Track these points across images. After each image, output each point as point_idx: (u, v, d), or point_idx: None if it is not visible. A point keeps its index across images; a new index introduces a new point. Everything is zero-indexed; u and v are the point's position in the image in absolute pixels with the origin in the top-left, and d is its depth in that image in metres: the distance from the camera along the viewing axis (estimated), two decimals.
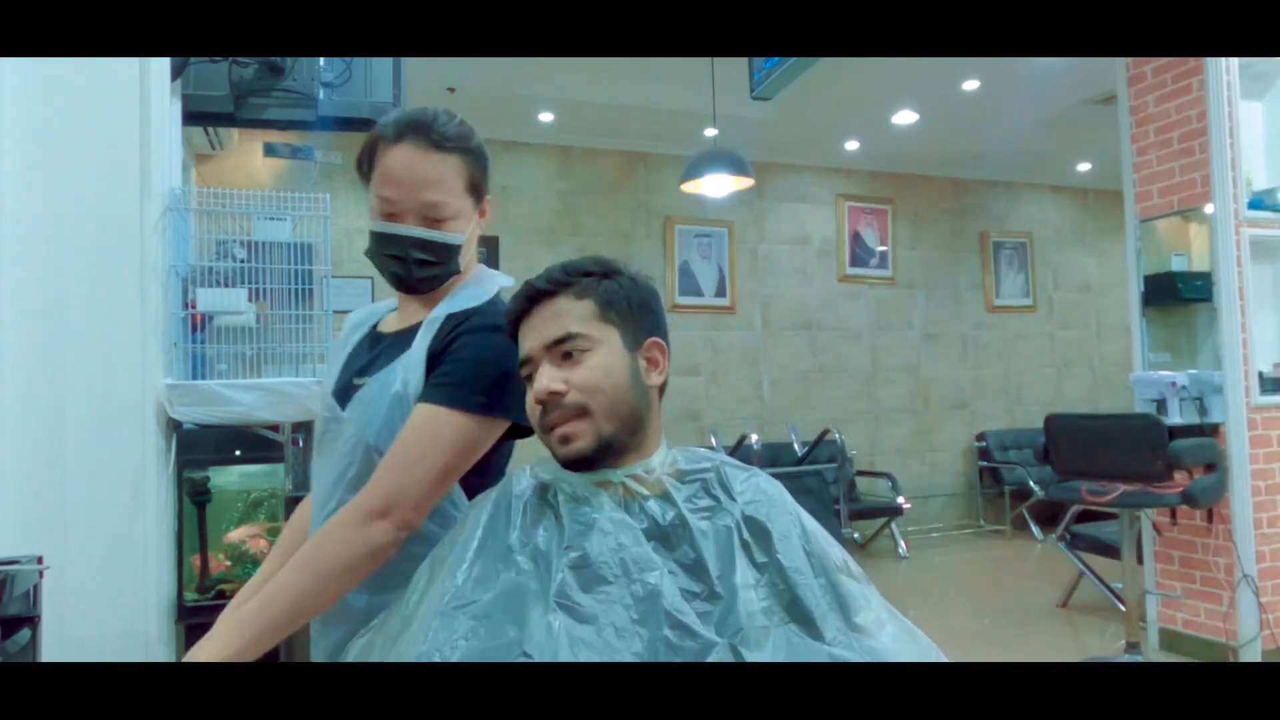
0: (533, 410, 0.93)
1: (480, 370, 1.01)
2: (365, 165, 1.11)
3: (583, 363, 0.91)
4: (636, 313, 0.95)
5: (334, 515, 0.98)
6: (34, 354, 1.61)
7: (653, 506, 0.90)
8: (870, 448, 6.23)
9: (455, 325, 1.06)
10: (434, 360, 1.04)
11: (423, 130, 1.05)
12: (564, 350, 0.92)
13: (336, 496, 1.07)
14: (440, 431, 0.99)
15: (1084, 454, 3.22)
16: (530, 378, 0.93)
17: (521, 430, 1.06)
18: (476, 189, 1.10)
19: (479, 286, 1.12)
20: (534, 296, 0.94)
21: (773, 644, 0.83)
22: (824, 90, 4.79)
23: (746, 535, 0.90)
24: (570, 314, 0.93)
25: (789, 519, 0.94)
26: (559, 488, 0.92)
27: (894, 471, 5.89)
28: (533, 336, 0.93)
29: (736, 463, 0.99)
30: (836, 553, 0.96)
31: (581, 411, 0.90)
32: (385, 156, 1.06)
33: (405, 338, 1.09)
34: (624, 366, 0.93)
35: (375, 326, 1.20)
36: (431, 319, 1.08)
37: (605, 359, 0.92)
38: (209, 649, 0.90)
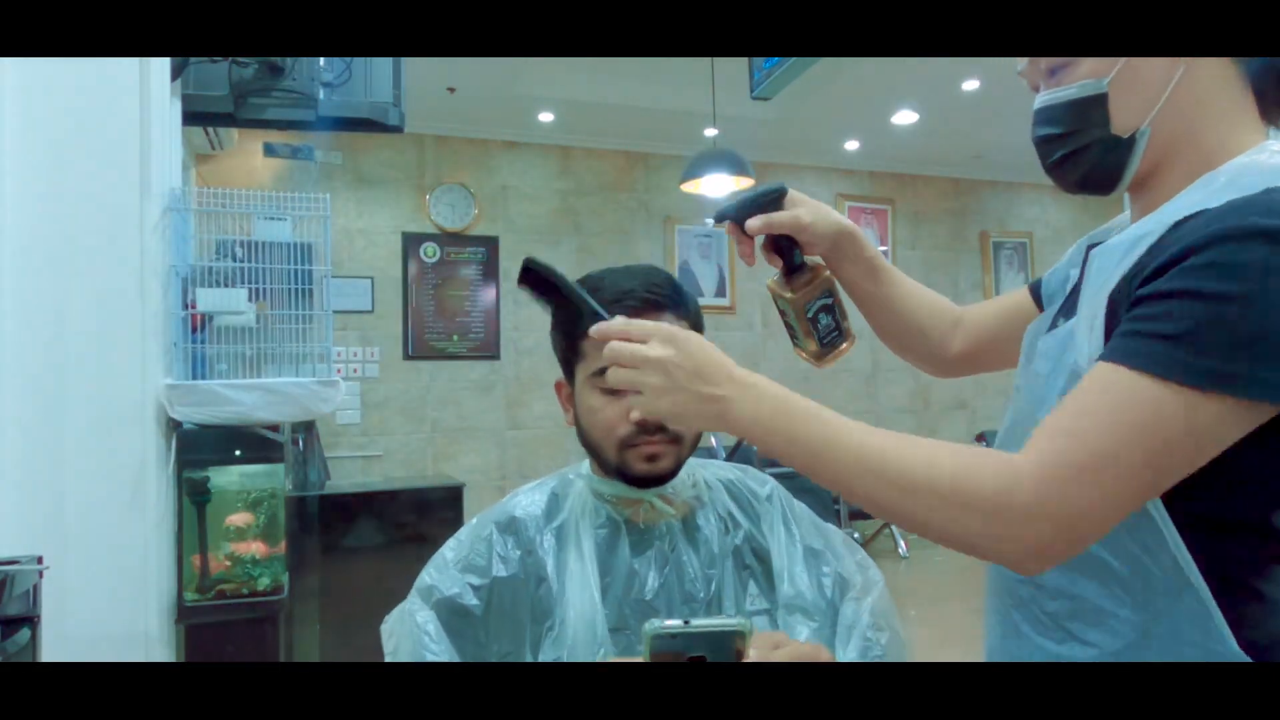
0: (613, 425, 0.89)
1: (1220, 314, 0.61)
2: None
3: None
4: None
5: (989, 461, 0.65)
6: (34, 354, 1.61)
7: (671, 530, 0.93)
8: None
9: (1176, 249, 0.64)
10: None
11: None
12: None
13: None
14: (1142, 412, 0.62)
15: None
16: (619, 391, 0.86)
17: None
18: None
19: (1238, 178, 0.66)
20: (642, 310, 0.88)
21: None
22: (824, 90, 4.79)
23: (749, 559, 0.94)
24: None
25: (788, 539, 0.96)
26: (582, 512, 0.94)
27: None
28: None
29: (732, 473, 1.02)
30: (838, 544, 0.99)
31: (675, 439, 0.90)
32: None
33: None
34: None
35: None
36: (1125, 240, 0.70)
37: None
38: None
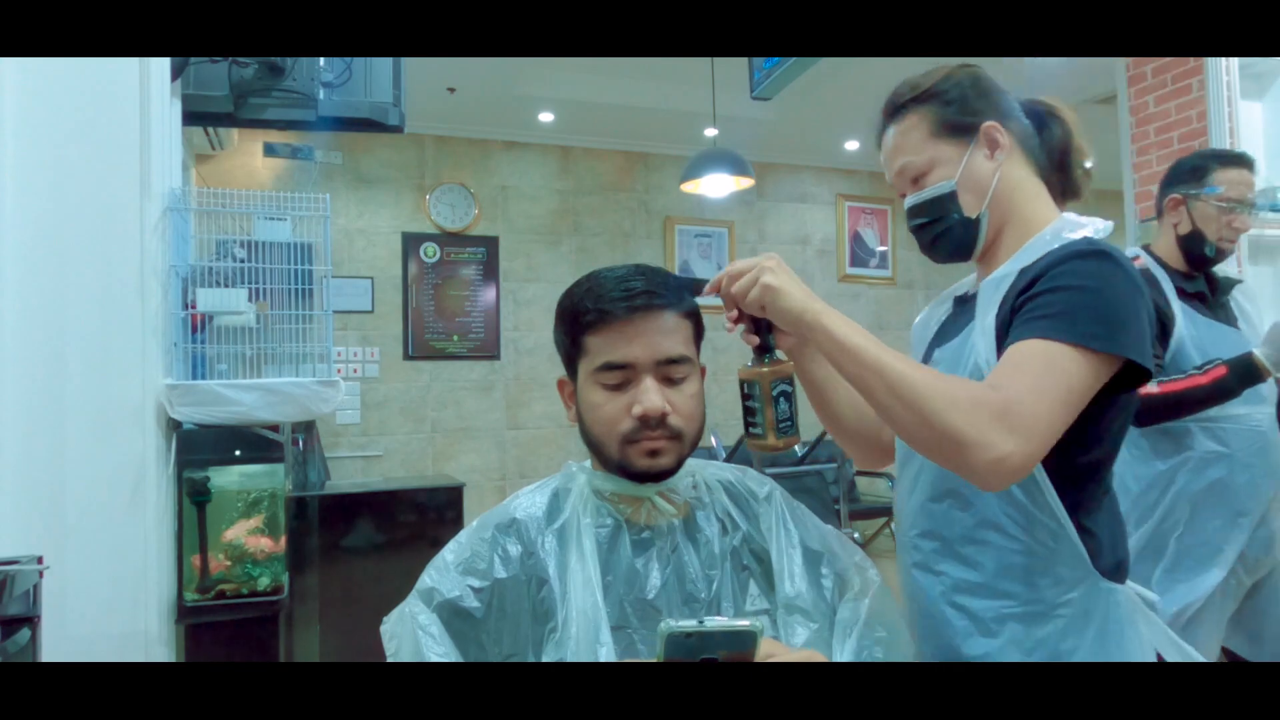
0: (615, 420, 0.90)
1: (1084, 300, 0.86)
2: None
3: (684, 389, 0.92)
4: (699, 340, 0.98)
5: (963, 387, 0.83)
6: (34, 354, 1.61)
7: (672, 529, 0.93)
8: None
9: (1039, 269, 0.91)
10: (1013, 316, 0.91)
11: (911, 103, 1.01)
12: (670, 373, 0.91)
13: (915, 498, 1.06)
14: (1057, 363, 0.83)
15: None
16: (621, 386, 0.91)
17: (1137, 378, 0.89)
18: (954, 129, 1.00)
19: (1055, 236, 0.95)
20: (646, 305, 0.90)
21: None
22: (824, 90, 4.78)
23: (747, 559, 0.95)
24: (678, 334, 0.92)
25: (787, 539, 0.96)
26: (581, 513, 0.93)
27: (894, 471, 5.89)
28: (640, 345, 0.90)
29: (731, 474, 1.02)
30: (835, 548, 0.99)
31: (676, 435, 0.91)
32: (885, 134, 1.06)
33: (973, 302, 1.01)
34: (703, 393, 0.95)
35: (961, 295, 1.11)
36: (997, 276, 0.96)
37: (698, 387, 0.94)
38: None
